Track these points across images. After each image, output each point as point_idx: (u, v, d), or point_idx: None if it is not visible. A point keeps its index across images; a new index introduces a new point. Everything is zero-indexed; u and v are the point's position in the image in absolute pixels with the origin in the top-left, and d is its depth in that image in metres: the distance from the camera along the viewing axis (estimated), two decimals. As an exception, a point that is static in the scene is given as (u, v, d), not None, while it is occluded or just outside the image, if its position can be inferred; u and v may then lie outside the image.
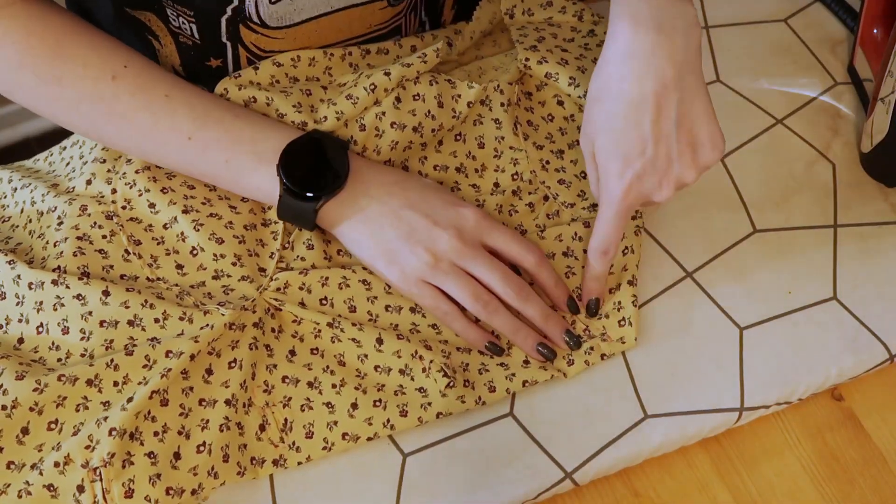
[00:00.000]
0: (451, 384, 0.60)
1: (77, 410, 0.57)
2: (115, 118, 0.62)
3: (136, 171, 0.64)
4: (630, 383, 0.64)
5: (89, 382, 0.57)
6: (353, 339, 0.61)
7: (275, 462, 0.59)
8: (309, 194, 0.61)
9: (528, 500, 0.61)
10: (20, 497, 0.54)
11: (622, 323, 0.64)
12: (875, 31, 0.76)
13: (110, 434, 0.54)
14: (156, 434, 0.56)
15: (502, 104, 0.69)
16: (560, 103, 0.71)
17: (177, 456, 0.56)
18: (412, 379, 0.61)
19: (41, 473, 0.54)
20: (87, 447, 0.55)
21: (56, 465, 0.54)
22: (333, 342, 0.62)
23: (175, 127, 0.62)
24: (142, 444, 0.56)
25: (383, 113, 0.66)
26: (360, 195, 0.62)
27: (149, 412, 0.56)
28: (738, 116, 0.76)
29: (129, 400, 0.56)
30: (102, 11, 0.69)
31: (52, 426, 0.56)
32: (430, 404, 0.61)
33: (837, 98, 0.78)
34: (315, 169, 0.62)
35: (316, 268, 0.64)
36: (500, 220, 0.67)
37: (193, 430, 0.57)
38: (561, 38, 0.73)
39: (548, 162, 0.69)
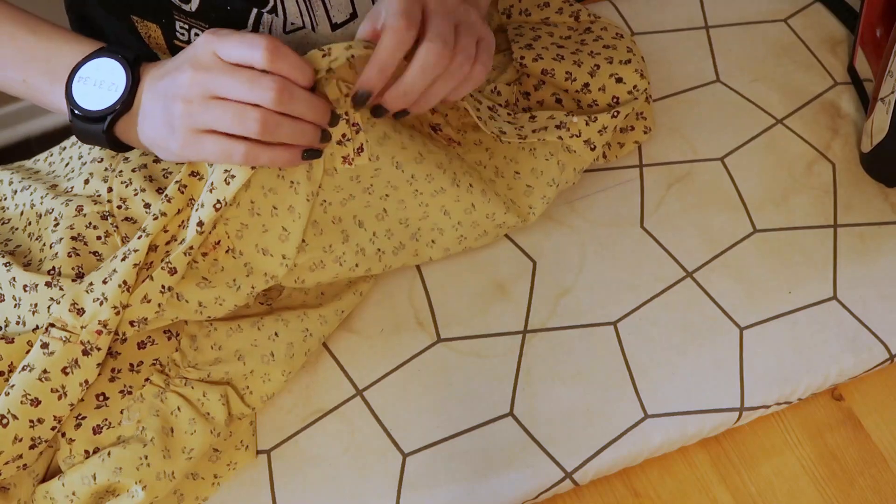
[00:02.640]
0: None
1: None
2: None
3: (133, 170, 0.64)
4: (630, 383, 0.64)
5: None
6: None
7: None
8: (95, 116, 0.58)
9: (528, 500, 0.61)
10: (7, 395, 0.55)
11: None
12: (875, 31, 0.76)
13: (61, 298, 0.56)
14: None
15: (501, 106, 0.69)
16: (559, 101, 0.71)
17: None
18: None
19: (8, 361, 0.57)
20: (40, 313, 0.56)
21: (28, 343, 0.57)
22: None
23: None
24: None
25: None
26: (141, 99, 0.58)
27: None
28: (738, 116, 0.76)
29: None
30: (103, 18, 0.69)
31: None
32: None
33: (837, 98, 0.78)
34: (103, 87, 0.58)
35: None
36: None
37: None
38: (557, 37, 0.73)
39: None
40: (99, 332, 0.56)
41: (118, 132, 0.59)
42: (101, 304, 0.55)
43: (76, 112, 0.58)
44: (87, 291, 0.56)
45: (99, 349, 0.56)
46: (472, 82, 0.57)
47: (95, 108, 0.58)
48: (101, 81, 0.58)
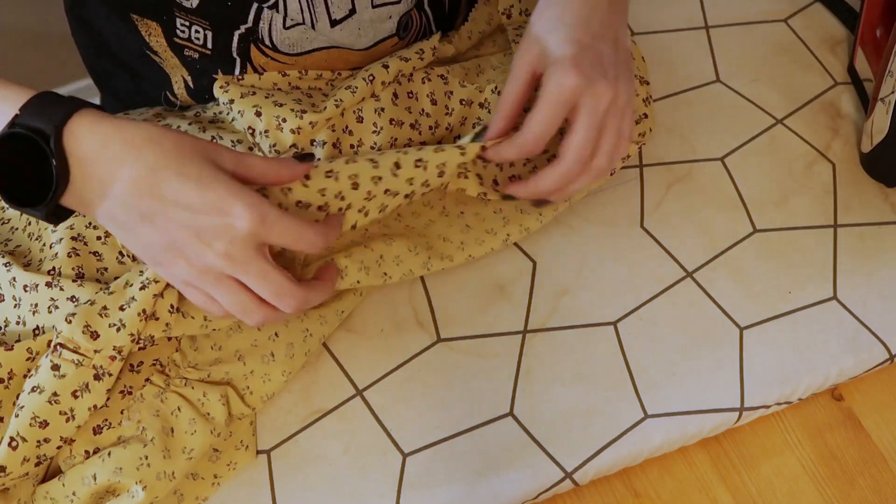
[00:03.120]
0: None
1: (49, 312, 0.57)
2: None
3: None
4: (630, 383, 0.64)
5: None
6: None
7: None
8: (26, 206, 0.51)
9: (528, 500, 0.61)
10: (17, 416, 0.55)
11: None
12: (875, 31, 0.76)
13: (67, 321, 0.55)
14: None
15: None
16: None
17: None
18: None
19: (13, 378, 0.55)
20: (50, 342, 0.55)
21: (28, 359, 0.56)
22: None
23: None
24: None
25: (382, 109, 0.66)
26: (97, 192, 0.51)
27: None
28: (738, 116, 0.76)
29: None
30: (103, 19, 0.69)
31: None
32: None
33: (837, 98, 0.78)
34: (22, 171, 0.51)
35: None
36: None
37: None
38: None
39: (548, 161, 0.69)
40: (112, 358, 0.56)
41: (66, 207, 0.53)
42: (119, 330, 0.55)
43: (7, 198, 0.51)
44: (101, 315, 0.56)
45: (110, 374, 0.56)
46: (619, 156, 0.61)
47: (22, 199, 0.51)
48: (22, 166, 0.50)
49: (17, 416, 0.54)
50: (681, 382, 0.64)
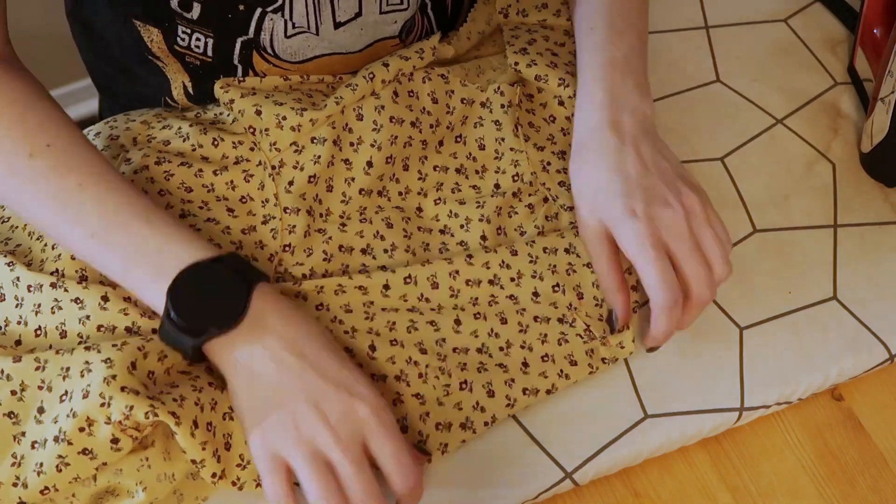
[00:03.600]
0: (447, 391, 0.60)
1: (82, 376, 0.56)
2: (27, 197, 0.58)
3: (135, 172, 0.64)
4: (630, 383, 0.64)
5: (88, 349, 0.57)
6: (347, 349, 0.61)
7: None
8: (193, 328, 0.54)
9: (528, 500, 0.61)
10: (59, 471, 0.54)
11: (621, 329, 0.64)
12: (875, 31, 0.76)
13: (122, 390, 0.54)
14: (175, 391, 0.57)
15: (503, 106, 0.69)
16: (561, 103, 0.71)
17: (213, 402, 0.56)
18: (408, 385, 0.60)
19: (70, 443, 0.54)
20: (103, 405, 0.54)
21: (81, 430, 0.54)
22: None
23: (80, 221, 0.57)
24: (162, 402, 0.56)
25: (382, 107, 0.66)
26: (252, 342, 0.55)
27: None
28: (738, 116, 0.76)
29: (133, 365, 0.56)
30: (105, 23, 0.69)
31: (64, 398, 0.56)
32: (427, 414, 0.60)
33: (837, 98, 0.78)
34: (210, 299, 0.55)
35: (314, 272, 0.64)
36: (500, 222, 0.67)
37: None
38: (552, 42, 0.73)
39: (549, 163, 0.69)
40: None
41: (206, 349, 0.55)
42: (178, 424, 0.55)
43: (171, 316, 0.54)
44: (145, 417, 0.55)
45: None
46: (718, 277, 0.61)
47: (197, 321, 0.54)
48: (214, 294, 0.55)
49: (58, 469, 0.54)
50: (681, 382, 0.64)
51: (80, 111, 1.39)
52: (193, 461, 0.56)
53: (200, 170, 0.64)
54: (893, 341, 0.66)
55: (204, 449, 0.55)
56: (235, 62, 0.66)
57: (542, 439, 0.62)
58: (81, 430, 0.54)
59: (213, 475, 0.56)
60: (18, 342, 0.59)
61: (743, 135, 0.75)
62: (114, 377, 0.54)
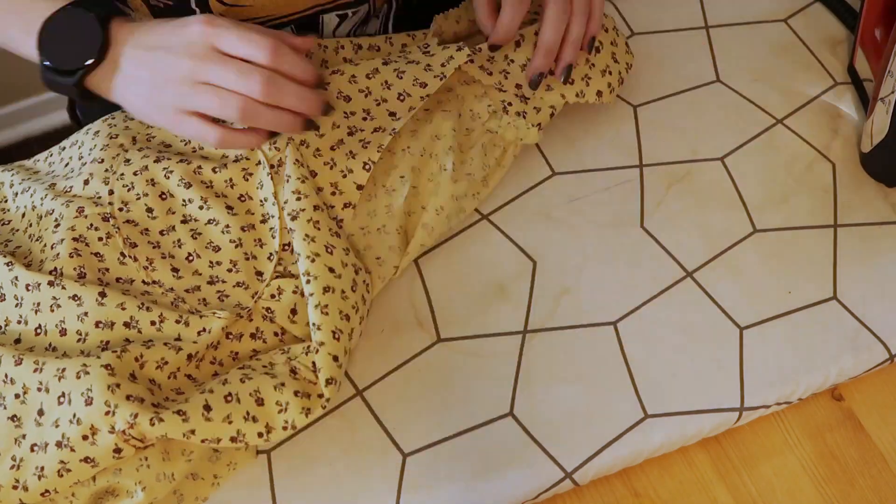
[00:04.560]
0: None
1: (78, 377, 0.56)
2: None
3: (135, 173, 0.64)
4: (630, 383, 0.64)
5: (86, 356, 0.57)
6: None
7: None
8: (67, 69, 0.61)
9: (528, 500, 0.61)
10: (61, 476, 0.54)
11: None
12: (875, 31, 0.76)
13: (128, 399, 0.54)
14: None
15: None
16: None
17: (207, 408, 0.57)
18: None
19: (72, 450, 0.54)
20: (107, 413, 0.54)
21: (84, 437, 0.54)
22: None
23: None
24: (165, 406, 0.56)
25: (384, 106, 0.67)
26: (119, 58, 0.61)
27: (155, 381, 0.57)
28: (738, 116, 0.76)
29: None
30: None
31: (62, 399, 0.56)
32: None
33: (837, 98, 0.78)
34: (74, 41, 0.61)
35: None
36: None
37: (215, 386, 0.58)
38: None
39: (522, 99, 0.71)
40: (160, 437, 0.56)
41: (88, 84, 0.61)
42: (188, 438, 0.55)
43: (47, 64, 0.61)
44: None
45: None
46: (595, 22, 0.69)
47: (67, 61, 0.61)
48: (74, 35, 0.61)
49: (60, 474, 0.54)
50: (681, 382, 0.64)
51: (55, 120, 1.39)
52: (233, 438, 0.56)
53: (199, 167, 0.64)
54: (893, 341, 0.66)
55: (231, 423, 0.56)
56: (193, 6, 0.68)
57: (542, 439, 0.62)
58: (85, 437, 0.54)
59: (259, 434, 0.56)
60: (18, 340, 0.59)
61: (743, 135, 0.75)
62: (118, 385, 0.55)
